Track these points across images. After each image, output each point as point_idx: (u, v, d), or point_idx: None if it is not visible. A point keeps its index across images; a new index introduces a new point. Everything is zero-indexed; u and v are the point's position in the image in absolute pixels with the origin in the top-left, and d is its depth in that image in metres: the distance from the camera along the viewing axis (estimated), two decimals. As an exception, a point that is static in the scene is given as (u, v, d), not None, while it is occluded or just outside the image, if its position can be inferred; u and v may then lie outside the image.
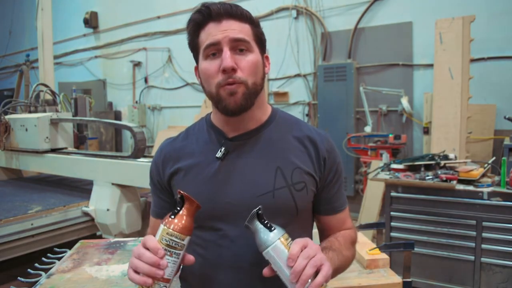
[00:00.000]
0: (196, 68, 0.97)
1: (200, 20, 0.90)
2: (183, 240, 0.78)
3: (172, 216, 0.79)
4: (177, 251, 0.78)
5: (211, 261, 0.93)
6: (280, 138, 0.96)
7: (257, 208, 0.80)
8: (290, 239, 0.80)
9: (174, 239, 0.77)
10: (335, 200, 1.00)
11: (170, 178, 0.98)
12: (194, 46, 0.94)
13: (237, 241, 0.90)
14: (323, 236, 1.06)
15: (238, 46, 0.88)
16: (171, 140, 1.04)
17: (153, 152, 5.23)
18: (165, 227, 0.78)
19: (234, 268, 0.91)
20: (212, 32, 0.88)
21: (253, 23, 0.92)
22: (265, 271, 0.80)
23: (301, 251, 0.76)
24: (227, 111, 0.89)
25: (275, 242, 0.77)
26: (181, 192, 0.81)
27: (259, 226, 0.80)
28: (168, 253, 0.77)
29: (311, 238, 1.02)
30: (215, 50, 0.88)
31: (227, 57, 0.86)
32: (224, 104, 0.88)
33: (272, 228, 0.79)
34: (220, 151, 0.94)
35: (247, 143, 0.95)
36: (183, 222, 0.79)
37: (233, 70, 0.86)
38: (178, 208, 0.80)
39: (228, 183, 0.92)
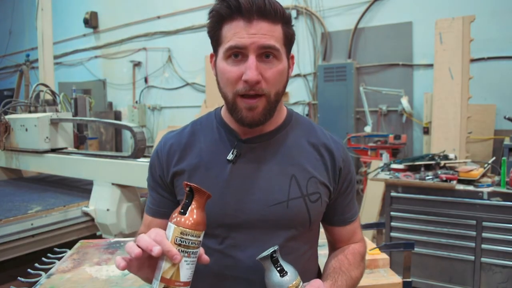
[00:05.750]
0: (212, 56, 0.87)
1: (226, 13, 0.78)
2: (199, 237, 0.70)
3: (182, 212, 0.70)
4: (194, 250, 0.69)
5: (217, 271, 0.86)
6: (296, 143, 0.90)
7: (273, 250, 0.76)
8: (301, 285, 0.77)
9: (190, 238, 0.68)
10: (347, 211, 0.96)
11: (174, 177, 0.90)
12: (213, 36, 0.83)
13: (246, 252, 0.84)
14: (332, 247, 1.02)
15: (266, 53, 0.79)
16: (176, 133, 0.95)
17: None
18: (177, 226, 0.68)
19: (242, 279, 0.85)
20: (238, 33, 0.77)
21: (286, 21, 0.82)
22: None
23: None
24: (242, 123, 0.82)
25: None
26: (189, 184, 0.71)
27: (271, 266, 0.76)
28: (186, 254, 0.68)
29: (317, 248, 0.99)
30: (238, 52, 0.78)
31: (253, 68, 0.76)
32: (240, 116, 0.81)
33: (284, 273, 0.75)
34: (232, 154, 0.86)
35: (261, 146, 0.88)
36: (196, 217, 0.69)
37: (258, 82, 0.78)
38: (187, 202, 0.71)
39: (239, 190, 0.85)
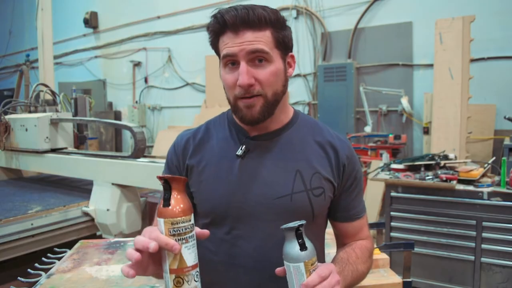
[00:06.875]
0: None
1: (217, 29, 0.87)
2: (190, 221, 0.72)
3: (167, 204, 0.72)
4: (190, 234, 0.72)
5: (223, 260, 0.93)
6: (301, 141, 0.95)
7: (300, 223, 0.77)
8: (316, 264, 0.78)
9: (182, 225, 0.71)
10: (352, 208, 0.99)
11: (187, 169, 0.97)
12: (214, 49, 0.93)
13: (251, 242, 0.89)
14: (339, 243, 1.05)
15: (257, 57, 0.85)
16: (191, 131, 1.04)
17: (153, 152, 5.22)
18: (166, 218, 0.71)
19: (246, 268, 0.90)
20: (228, 43, 0.85)
21: (275, 26, 0.87)
22: (278, 271, 0.80)
23: (320, 282, 0.74)
24: (244, 121, 0.90)
25: (299, 264, 0.76)
26: (162, 176, 0.74)
27: (293, 239, 0.78)
28: (184, 241, 0.70)
29: (324, 243, 1.03)
30: (232, 60, 0.86)
31: (244, 74, 0.84)
32: (241, 115, 0.89)
33: (304, 248, 0.77)
34: (241, 149, 0.93)
35: (268, 143, 0.94)
36: (180, 204, 0.72)
37: (250, 85, 0.85)
38: (167, 193, 0.73)
39: (246, 183, 0.91)
